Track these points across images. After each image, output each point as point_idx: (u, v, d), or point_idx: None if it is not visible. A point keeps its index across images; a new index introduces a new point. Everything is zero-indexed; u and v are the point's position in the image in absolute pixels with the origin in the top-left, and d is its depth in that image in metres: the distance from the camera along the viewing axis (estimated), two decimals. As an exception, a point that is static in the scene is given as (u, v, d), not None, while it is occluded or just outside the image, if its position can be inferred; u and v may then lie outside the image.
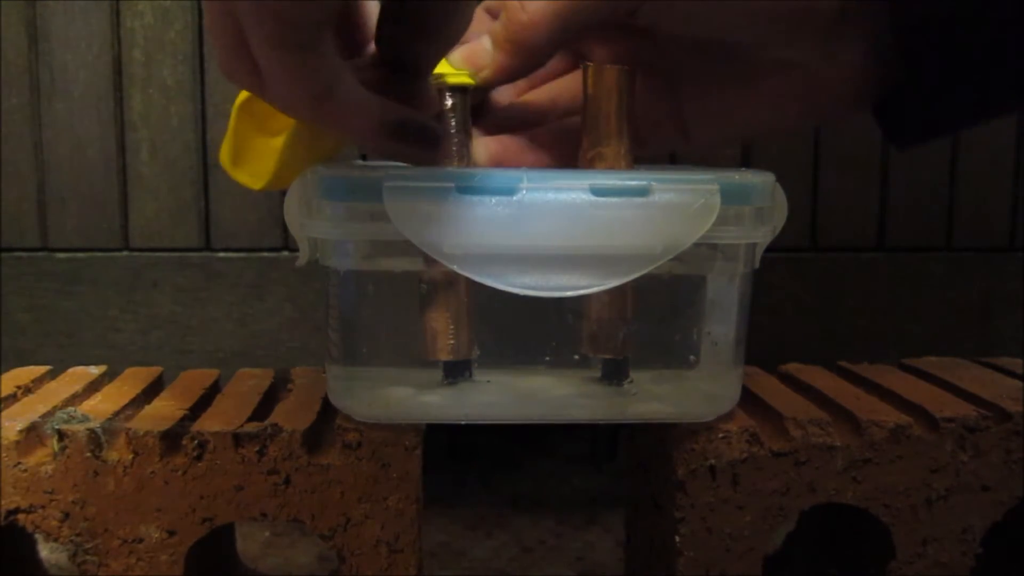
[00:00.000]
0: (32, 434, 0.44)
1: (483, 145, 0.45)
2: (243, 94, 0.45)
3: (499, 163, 0.45)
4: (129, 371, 0.56)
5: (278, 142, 0.44)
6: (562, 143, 0.45)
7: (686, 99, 0.45)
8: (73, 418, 0.45)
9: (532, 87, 0.47)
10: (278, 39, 0.33)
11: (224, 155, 0.46)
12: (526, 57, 0.42)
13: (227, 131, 0.45)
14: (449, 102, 0.44)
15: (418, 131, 0.39)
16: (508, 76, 0.43)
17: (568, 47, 0.45)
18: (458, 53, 0.43)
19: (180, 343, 0.75)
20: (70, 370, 0.56)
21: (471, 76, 0.44)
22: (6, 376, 0.53)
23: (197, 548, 0.45)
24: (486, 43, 0.42)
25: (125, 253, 0.75)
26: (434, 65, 0.41)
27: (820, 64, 0.41)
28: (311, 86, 0.35)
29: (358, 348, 0.44)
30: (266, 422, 0.44)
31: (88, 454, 0.43)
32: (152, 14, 0.73)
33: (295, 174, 0.44)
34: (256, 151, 0.45)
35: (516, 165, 0.45)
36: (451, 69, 0.44)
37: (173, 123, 0.74)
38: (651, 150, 0.46)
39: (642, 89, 0.44)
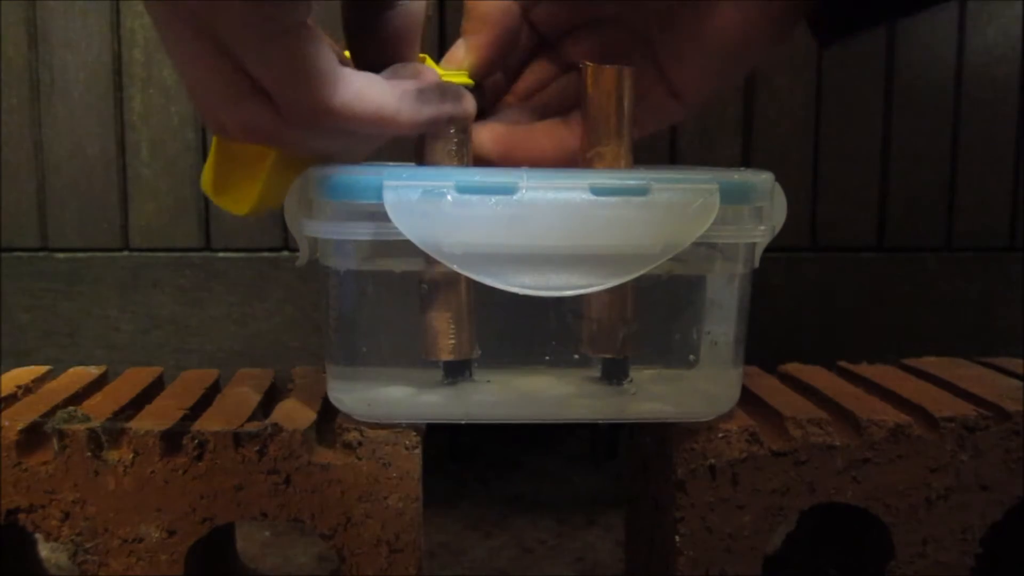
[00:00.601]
0: (32, 434, 0.44)
1: (488, 128, 0.45)
2: None
3: (504, 146, 0.45)
4: (129, 371, 0.56)
5: (262, 166, 0.44)
6: (565, 132, 0.46)
7: (664, 59, 0.45)
8: (73, 418, 0.45)
9: (521, 100, 0.48)
10: (268, 29, 0.33)
11: (206, 181, 0.45)
12: (497, 32, 0.44)
13: (208, 157, 0.45)
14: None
15: (442, 91, 0.40)
16: (489, 54, 0.44)
17: (539, 37, 0.47)
18: (443, 60, 0.44)
19: (180, 343, 0.75)
20: (70, 370, 0.56)
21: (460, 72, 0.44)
22: (6, 376, 0.53)
23: (197, 548, 0.45)
24: (458, 42, 0.45)
25: (125, 253, 0.75)
26: (414, 48, 0.42)
27: None
28: (322, 72, 0.35)
29: (358, 348, 0.44)
30: (266, 422, 0.44)
31: (88, 454, 0.43)
32: (152, 14, 0.73)
33: (281, 197, 0.44)
34: (239, 176, 0.45)
35: (521, 149, 0.45)
36: (446, 71, 0.44)
37: (173, 123, 0.74)
38: (652, 128, 0.46)
39: (624, 53, 0.45)
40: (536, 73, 0.48)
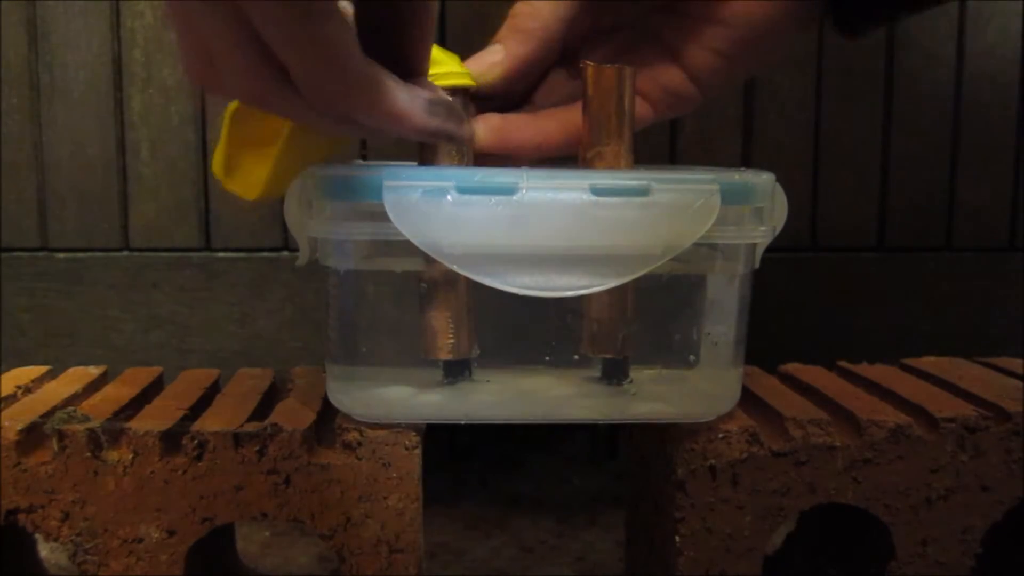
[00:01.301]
0: (32, 434, 0.44)
1: (483, 120, 0.45)
2: (235, 101, 0.45)
3: (501, 136, 0.45)
4: (129, 371, 0.56)
5: (271, 150, 0.44)
6: (571, 115, 0.46)
7: (679, 41, 0.45)
8: (73, 418, 0.45)
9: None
10: (302, 14, 0.33)
11: (217, 164, 0.45)
12: (536, 47, 0.44)
13: (220, 140, 0.45)
14: (449, 102, 0.44)
15: (449, 109, 0.40)
16: (521, 67, 0.45)
17: (566, 45, 0.46)
18: (470, 61, 0.44)
19: (180, 343, 0.75)
20: (70, 370, 0.56)
21: (482, 75, 0.44)
22: (6, 376, 0.53)
23: (197, 548, 0.45)
24: (495, 46, 0.44)
25: (125, 253, 0.75)
26: (425, 60, 0.42)
27: None
28: (350, 64, 0.35)
29: (358, 348, 0.44)
30: (266, 422, 0.44)
31: (88, 454, 0.43)
32: (152, 14, 0.73)
33: (289, 182, 0.44)
34: (248, 160, 0.45)
35: (518, 138, 0.45)
36: (450, 70, 0.44)
37: (173, 123, 0.74)
38: (669, 113, 0.47)
39: (644, 65, 0.45)
40: (554, 82, 0.48)
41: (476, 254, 0.39)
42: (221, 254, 0.75)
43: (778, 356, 0.58)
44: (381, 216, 0.40)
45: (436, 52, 0.44)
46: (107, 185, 0.74)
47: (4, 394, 0.49)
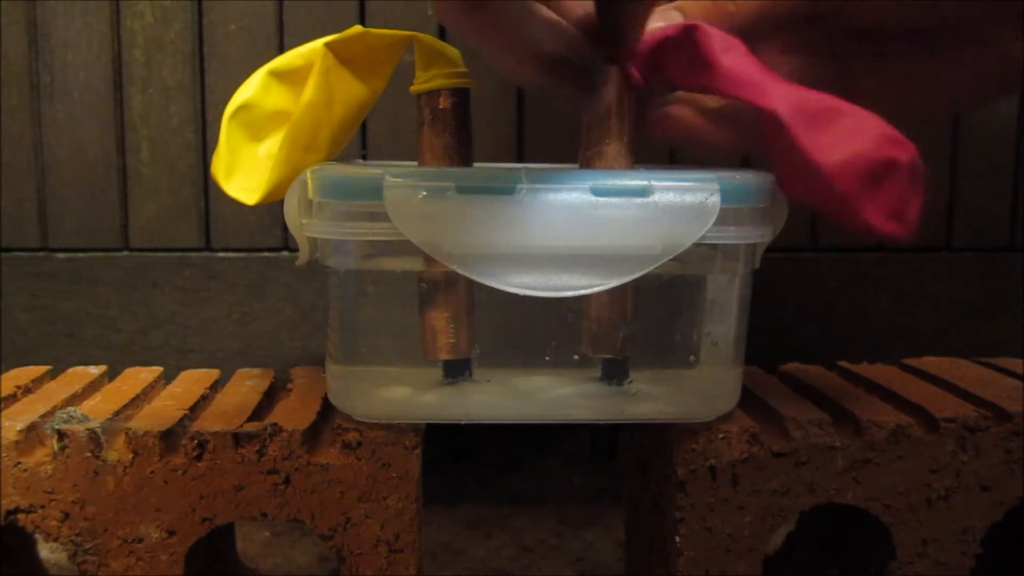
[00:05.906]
0: (32, 434, 0.44)
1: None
2: (234, 103, 0.45)
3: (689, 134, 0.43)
4: (129, 371, 0.56)
5: (271, 153, 0.44)
6: (737, 122, 0.43)
7: (864, 88, 0.43)
8: (73, 418, 0.45)
9: None
10: None
11: (216, 167, 0.45)
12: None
13: (219, 144, 0.45)
14: (449, 102, 0.44)
15: (577, 72, 0.39)
16: None
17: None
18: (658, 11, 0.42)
19: (180, 343, 0.75)
20: (70, 370, 0.56)
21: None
22: (6, 376, 0.53)
23: (197, 548, 0.45)
24: (672, 12, 0.42)
25: (125, 253, 0.75)
26: (630, 30, 0.40)
27: (1016, 38, 0.40)
28: None
29: (358, 348, 0.44)
30: (266, 422, 0.44)
31: (88, 454, 0.43)
32: (152, 14, 0.73)
33: (289, 184, 0.44)
34: (248, 162, 0.45)
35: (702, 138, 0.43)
36: (451, 69, 0.44)
37: (173, 123, 0.74)
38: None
39: (817, 80, 0.42)
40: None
41: (476, 254, 0.39)
42: (221, 254, 0.75)
43: (778, 356, 0.58)
44: (381, 216, 0.40)
45: (440, 47, 0.44)
46: (107, 185, 0.74)
47: (4, 394, 0.49)
